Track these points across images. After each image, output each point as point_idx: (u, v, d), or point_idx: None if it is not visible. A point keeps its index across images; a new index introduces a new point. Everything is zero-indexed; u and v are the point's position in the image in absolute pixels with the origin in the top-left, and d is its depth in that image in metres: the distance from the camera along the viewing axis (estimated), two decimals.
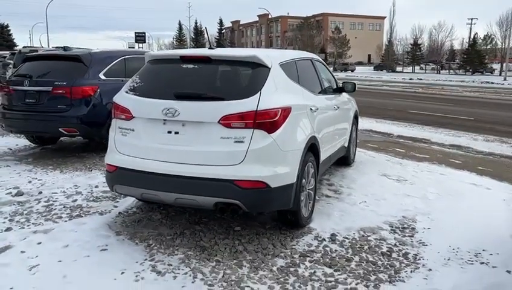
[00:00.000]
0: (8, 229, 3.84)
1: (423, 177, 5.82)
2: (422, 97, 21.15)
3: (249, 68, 3.63)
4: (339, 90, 5.63)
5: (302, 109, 3.89)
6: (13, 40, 48.70)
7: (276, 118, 3.42)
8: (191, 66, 3.71)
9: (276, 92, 3.58)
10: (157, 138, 3.52)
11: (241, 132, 3.33)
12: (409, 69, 64.65)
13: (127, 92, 3.79)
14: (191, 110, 3.42)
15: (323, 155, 4.52)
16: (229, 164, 3.32)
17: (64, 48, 7.06)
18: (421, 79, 40.82)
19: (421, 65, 65.21)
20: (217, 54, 3.73)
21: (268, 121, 3.37)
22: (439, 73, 57.61)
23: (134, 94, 3.72)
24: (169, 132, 3.48)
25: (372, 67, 72.98)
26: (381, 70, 65.59)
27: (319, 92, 4.78)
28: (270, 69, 3.64)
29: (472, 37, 62.03)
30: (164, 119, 3.47)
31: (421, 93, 24.27)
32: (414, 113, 14.06)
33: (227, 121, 3.32)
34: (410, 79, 41.03)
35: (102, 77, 6.54)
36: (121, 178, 3.67)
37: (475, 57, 56.29)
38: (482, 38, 62.10)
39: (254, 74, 3.59)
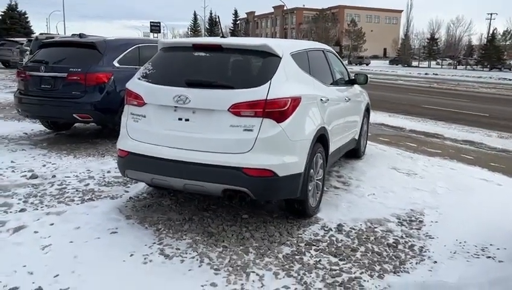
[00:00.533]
0: (22, 210, 3.95)
1: (433, 171, 5.79)
2: (437, 92, 20.90)
3: (259, 57, 3.65)
4: (350, 82, 5.62)
5: (312, 99, 3.90)
6: (30, 28, 49.18)
7: (286, 107, 3.44)
8: (202, 54, 3.74)
9: (287, 81, 3.60)
10: (168, 125, 3.57)
11: (251, 121, 3.36)
12: (425, 64, 63.85)
13: (139, 79, 3.85)
14: (201, 97, 3.46)
15: (333, 146, 4.53)
16: (237, 152, 3.36)
17: (80, 35, 7.15)
18: (436, 74, 40.25)
19: (438, 60, 64.30)
20: (228, 43, 3.76)
21: (277, 110, 3.40)
22: (456, 68, 56.76)
23: (147, 81, 3.77)
24: (180, 119, 3.53)
25: (387, 62, 72.18)
26: (397, 64, 64.83)
27: (331, 83, 4.78)
28: (281, 58, 3.65)
29: (491, 32, 60.93)
30: (175, 106, 3.52)
31: (436, 88, 23.97)
32: (428, 108, 13.92)
33: (236, 110, 3.36)
34: (426, 74, 40.48)
35: (117, 65, 6.61)
36: (132, 163, 3.74)
37: (493, 52, 55.28)
38: (501, 33, 60.97)
39: (265, 63, 3.61)
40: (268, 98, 3.37)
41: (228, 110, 3.38)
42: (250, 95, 3.37)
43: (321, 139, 4.04)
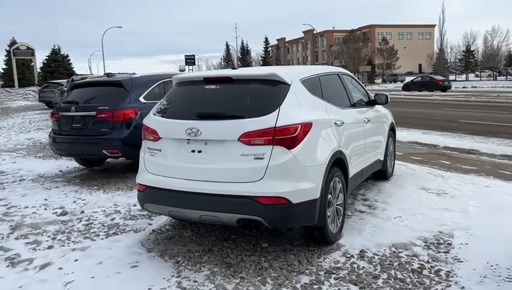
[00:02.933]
0: (50, 247, 4.09)
1: (465, 190, 5.54)
2: (475, 106, 20.17)
3: (269, 86, 3.69)
4: (371, 103, 5.54)
5: (325, 123, 3.87)
6: (73, 69, 51.98)
7: (296, 133, 3.43)
8: (213, 86, 3.82)
9: (297, 108, 3.60)
10: (182, 157, 3.64)
11: (261, 149, 3.37)
12: (463, 77, 61.92)
13: (154, 114, 3.97)
14: (212, 129, 3.52)
15: (353, 170, 4.45)
16: (249, 181, 3.36)
17: (108, 74, 7.49)
18: (475, 87, 38.95)
19: (476, 72, 62.26)
20: (238, 74, 3.83)
21: (287, 137, 3.40)
22: (496, 80, 54.67)
23: (161, 116, 3.89)
24: (193, 151, 3.59)
25: None
26: None
27: (347, 106, 4.74)
28: (290, 85, 3.67)
29: None
30: (188, 139, 3.59)
31: (473, 101, 23.16)
32: (464, 123, 13.45)
33: (246, 139, 3.38)
34: (464, 87, 39.27)
35: (142, 100, 6.84)
36: (151, 197, 3.82)
37: None
38: None
39: (273, 91, 3.64)
40: (277, 126, 3.38)
41: (238, 139, 3.41)
42: (259, 124, 3.40)
43: (338, 162, 3.98)
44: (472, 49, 63.84)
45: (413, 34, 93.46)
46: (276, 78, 3.67)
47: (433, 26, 79.47)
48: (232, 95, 3.77)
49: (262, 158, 3.36)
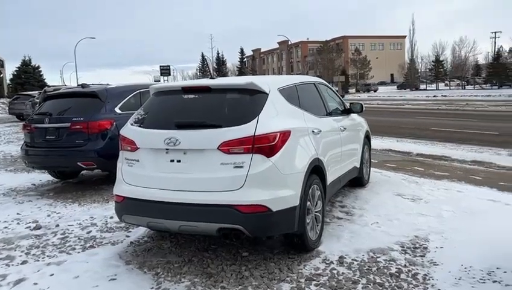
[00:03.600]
0: (23, 262, 3.97)
1: (439, 195, 5.69)
2: (446, 114, 20.78)
3: (247, 95, 3.72)
4: (346, 112, 5.65)
5: (303, 131, 3.93)
6: (44, 80, 50.86)
7: (275, 142, 3.47)
8: (191, 96, 3.83)
9: (275, 116, 3.65)
10: (161, 167, 3.62)
11: (241, 157, 3.39)
12: (433, 86, 63.75)
13: (132, 124, 3.94)
14: (191, 138, 3.52)
15: (331, 177, 4.52)
16: (229, 189, 3.37)
17: (82, 85, 7.38)
18: (445, 96, 40.16)
19: (446, 82, 64.21)
20: (216, 84, 3.85)
21: (266, 145, 3.43)
22: (464, 88, 56.53)
23: (139, 126, 3.86)
24: (172, 161, 3.58)
25: (395, 87, 72.36)
26: (405, 89, 64.89)
27: (324, 115, 4.81)
28: (268, 94, 3.72)
29: (496, 50, 60.95)
30: (166, 149, 3.57)
31: (444, 109, 23.86)
32: (436, 131, 13.82)
33: (226, 147, 3.40)
34: (434, 96, 40.42)
35: (118, 111, 6.77)
36: (128, 208, 3.77)
37: (500, 70, 55.04)
38: (507, 51, 60.83)
39: (252, 100, 3.67)
40: (256, 134, 3.40)
41: (218, 148, 3.42)
42: (238, 132, 3.42)
43: (316, 170, 4.03)
44: (441, 59, 65.84)
45: (385, 44, 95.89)
46: (254, 88, 3.70)
47: (404, 37, 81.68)
48: (210, 104, 3.78)
49: (242, 167, 3.38)
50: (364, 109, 5.74)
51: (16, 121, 24.45)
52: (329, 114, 5.04)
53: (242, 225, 3.36)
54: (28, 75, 48.48)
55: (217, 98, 3.81)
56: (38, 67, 51.08)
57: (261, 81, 3.80)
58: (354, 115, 5.90)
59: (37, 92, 23.78)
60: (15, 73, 49.51)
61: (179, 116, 3.78)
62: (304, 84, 4.64)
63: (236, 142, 3.39)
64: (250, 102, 3.68)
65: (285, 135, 3.57)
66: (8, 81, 48.11)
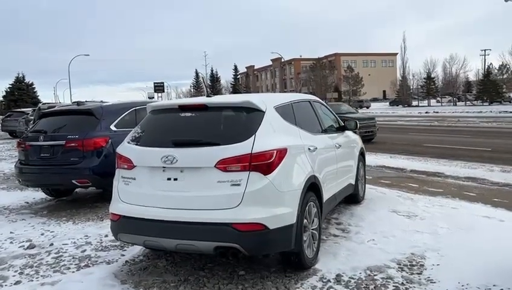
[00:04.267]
0: (17, 283, 3.91)
1: (434, 212, 5.71)
2: (438, 130, 20.99)
3: (244, 113, 3.75)
4: (341, 129, 5.70)
5: (299, 149, 3.95)
6: (38, 97, 50.80)
7: (272, 159, 3.49)
8: (188, 114, 3.85)
9: (272, 134, 3.67)
10: (158, 185, 3.62)
11: (238, 175, 3.40)
12: (425, 102, 64.48)
13: (129, 143, 3.94)
14: (188, 156, 3.53)
15: (327, 194, 4.53)
16: (226, 207, 3.37)
17: (77, 103, 7.39)
18: (437, 112, 40.54)
19: (437, 98, 65.00)
20: (213, 102, 3.88)
21: (263, 163, 3.44)
22: (456, 105, 57.18)
23: (136, 144, 3.87)
24: (169, 179, 3.58)
25: (387, 103, 73.06)
26: (397, 105, 65.55)
27: (319, 132, 4.86)
28: (264, 112, 3.75)
29: (486, 67, 61.98)
30: (163, 167, 3.58)
31: (436, 126, 24.09)
32: (429, 147, 13.93)
33: (223, 165, 3.41)
34: (426, 112, 40.80)
35: (114, 128, 6.76)
36: (124, 226, 3.75)
37: (491, 87, 55.87)
38: (497, 68, 61.93)
39: (249, 118, 3.70)
40: (253, 152, 3.42)
41: (215, 166, 3.43)
42: (235, 150, 3.43)
43: (313, 187, 4.05)
44: (432, 76, 66.85)
45: (377, 62, 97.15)
46: (251, 106, 3.74)
47: (396, 54, 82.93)
48: (207, 122, 3.80)
49: (239, 184, 3.38)
50: (358, 126, 5.79)
51: (8, 138, 24.30)
52: (325, 131, 5.08)
53: (239, 243, 3.35)
54: (22, 92, 48.44)
55: (213, 116, 3.84)
56: (32, 84, 51.14)
57: (257, 99, 3.84)
58: (348, 132, 5.95)
59: (30, 109, 23.74)
60: (8, 90, 49.43)
61: (175, 134, 3.79)
62: (299, 102, 4.69)
63: (234, 160, 3.41)
64: (246, 120, 3.71)
65: (282, 153, 3.59)
66: (1, 98, 47.99)
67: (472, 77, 73.17)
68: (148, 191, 3.65)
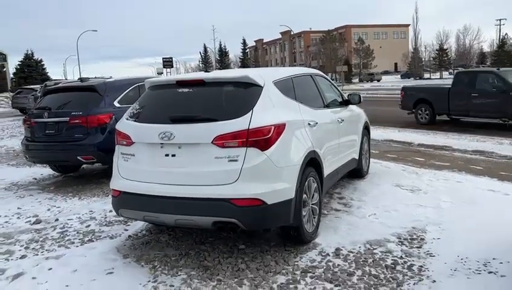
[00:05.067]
0: (23, 257, 4.00)
1: (438, 185, 5.67)
2: None
3: (241, 88, 3.70)
4: (345, 103, 5.62)
5: (299, 124, 3.91)
6: (47, 74, 50.90)
7: (269, 135, 3.46)
8: (186, 90, 3.82)
9: (270, 109, 3.63)
10: (156, 162, 3.63)
11: (235, 151, 3.39)
12: (437, 75, 63.34)
13: (127, 119, 3.94)
14: (185, 132, 3.52)
15: (328, 169, 4.51)
16: (224, 183, 3.37)
17: (81, 79, 7.38)
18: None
19: (450, 70, 63.75)
20: (210, 77, 3.84)
21: (261, 139, 3.42)
22: None
23: (134, 120, 3.86)
24: (167, 155, 3.58)
25: (399, 76, 71.95)
26: (409, 78, 64.47)
27: (321, 107, 4.79)
28: (262, 87, 3.70)
29: (501, 38, 60.41)
30: (161, 143, 3.58)
31: None
32: (438, 120, 13.73)
33: (220, 141, 3.39)
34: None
35: (117, 105, 6.76)
36: (125, 202, 3.79)
37: (505, 58, 54.56)
38: None
39: (246, 94, 3.66)
40: (250, 128, 3.40)
41: (212, 142, 3.42)
42: (232, 126, 3.41)
43: (313, 162, 4.02)
44: (445, 47, 65.39)
45: (388, 33, 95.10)
46: (248, 81, 3.69)
47: (408, 25, 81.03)
48: (205, 98, 3.77)
49: (236, 160, 3.38)
50: (362, 100, 5.70)
51: (19, 115, 24.52)
52: (327, 106, 5.01)
53: (237, 219, 3.37)
54: (31, 69, 48.52)
55: (211, 91, 3.80)
56: (41, 61, 51.09)
57: (255, 74, 3.78)
58: (352, 106, 5.87)
59: (39, 86, 23.84)
60: (18, 67, 49.56)
61: (173, 110, 3.77)
62: (300, 77, 4.62)
63: (231, 136, 3.39)
64: (244, 95, 3.67)
65: (279, 128, 3.56)
66: (11, 75, 48.20)
67: (486, 48, 71.51)
68: (147, 167, 3.66)
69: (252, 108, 3.51)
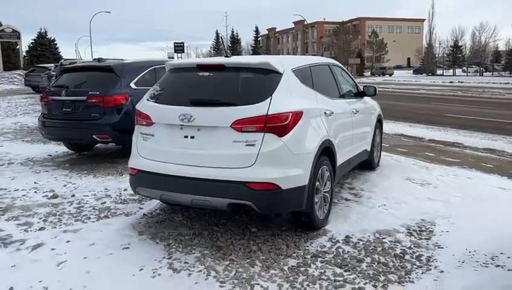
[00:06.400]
0: (41, 229, 4.14)
1: (448, 181, 5.71)
2: (461, 100, 20.50)
3: (261, 74, 3.76)
4: (360, 95, 5.66)
5: (315, 113, 3.97)
6: (59, 54, 51.13)
7: (287, 121, 3.53)
8: (206, 73, 3.89)
9: (288, 96, 3.70)
10: (175, 143, 3.71)
11: (253, 136, 3.46)
12: (450, 72, 62.65)
13: (148, 100, 4.02)
14: (205, 115, 3.59)
15: (341, 159, 4.57)
16: (241, 167, 3.46)
17: (99, 60, 7.47)
18: (462, 82, 39.46)
19: (463, 68, 63.03)
20: (231, 62, 3.90)
21: (278, 125, 3.49)
22: (482, 75, 55.46)
23: (155, 101, 3.95)
24: (186, 137, 3.67)
25: (411, 71, 71.29)
26: (421, 73, 63.90)
27: (337, 97, 4.84)
28: (282, 74, 3.76)
29: None
30: (181, 125, 3.66)
31: (460, 96, 23.52)
32: (450, 117, 13.69)
33: (239, 126, 3.47)
34: (451, 82, 39.76)
35: (133, 86, 6.85)
36: (142, 181, 3.89)
37: None
38: None
39: (266, 80, 3.72)
40: (269, 114, 3.47)
41: (231, 126, 3.49)
42: (251, 111, 3.48)
43: (327, 151, 4.09)
44: (460, 44, 64.42)
45: (402, 27, 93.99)
46: (268, 67, 3.75)
47: (423, 20, 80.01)
48: (224, 82, 3.84)
49: (253, 145, 3.45)
50: (377, 92, 5.73)
51: (31, 92, 24.76)
52: (342, 96, 5.06)
53: (252, 201, 3.45)
54: (44, 48, 48.74)
55: (231, 76, 3.86)
56: (54, 40, 51.28)
57: (275, 61, 3.83)
58: (367, 98, 5.91)
59: (52, 64, 23.98)
60: (31, 45, 49.83)
61: (193, 93, 3.85)
62: (318, 66, 4.66)
63: (249, 120, 3.46)
64: (264, 81, 3.73)
65: (297, 116, 3.63)
66: (24, 53, 48.48)
67: (502, 47, 70.30)
68: (166, 148, 3.75)
69: (271, 94, 3.57)
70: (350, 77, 5.72)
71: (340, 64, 5.54)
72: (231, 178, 3.45)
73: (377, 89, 5.79)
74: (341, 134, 4.55)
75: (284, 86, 3.71)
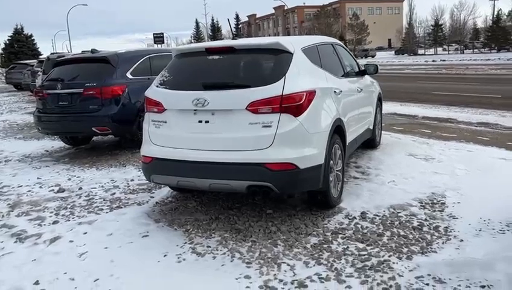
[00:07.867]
0: (55, 222, 4.09)
1: (450, 154, 5.81)
2: (447, 78, 20.76)
3: (272, 55, 3.75)
4: (361, 73, 5.68)
5: (327, 92, 3.98)
6: (37, 49, 50.02)
7: (302, 101, 3.53)
8: (216, 57, 3.86)
9: (300, 76, 3.69)
10: (189, 128, 3.69)
11: (269, 117, 3.46)
12: (431, 51, 63.27)
13: (157, 86, 3.97)
14: (219, 99, 3.57)
15: (349, 137, 4.61)
16: (258, 148, 3.45)
17: (92, 51, 7.34)
18: (444, 60, 39.89)
19: (444, 46, 63.68)
20: (240, 44, 3.87)
21: (294, 105, 3.49)
22: (463, 53, 56.16)
23: (165, 88, 3.90)
24: (200, 121, 3.64)
25: (393, 52, 71.75)
26: (403, 54, 64.41)
27: (342, 75, 4.86)
28: (292, 54, 3.75)
29: (496, 13, 60.24)
30: (195, 110, 3.63)
31: (444, 74, 23.80)
32: (439, 95, 13.85)
33: (254, 107, 3.46)
34: (433, 61, 40.16)
35: (130, 76, 6.77)
36: (157, 168, 3.86)
37: (500, 34, 54.54)
38: (506, 14, 60.16)
39: (278, 60, 3.71)
40: (284, 94, 3.46)
41: (246, 108, 3.48)
42: (266, 92, 3.47)
43: (338, 130, 4.12)
44: (440, 23, 65.01)
45: (382, 9, 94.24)
46: (279, 47, 3.73)
47: (402, 0, 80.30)
48: (236, 64, 3.81)
49: (270, 126, 3.45)
50: (378, 70, 5.76)
51: (13, 90, 24.23)
52: (347, 75, 5.08)
53: (271, 182, 3.46)
54: (21, 44, 47.66)
55: (242, 58, 3.84)
56: (31, 36, 50.15)
57: (285, 40, 3.82)
58: (367, 77, 5.94)
59: (34, 60, 23.44)
60: (7, 42, 48.61)
61: (205, 77, 3.82)
62: (323, 45, 4.66)
63: (265, 102, 3.45)
64: (276, 62, 3.72)
65: (311, 95, 3.63)
66: (0, 51, 47.27)
67: (480, 24, 71.28)
68: (180, 134, 3.72)
69: (284, 74, 3.56)
70: (351, 55, 5.74)
71: (341, 43, 5.54)
72: (250, 160, 3.45)
73: (378, 67, 5.82)
74: (349, 113, 4.58)
75: (296, 65, 3.71)
